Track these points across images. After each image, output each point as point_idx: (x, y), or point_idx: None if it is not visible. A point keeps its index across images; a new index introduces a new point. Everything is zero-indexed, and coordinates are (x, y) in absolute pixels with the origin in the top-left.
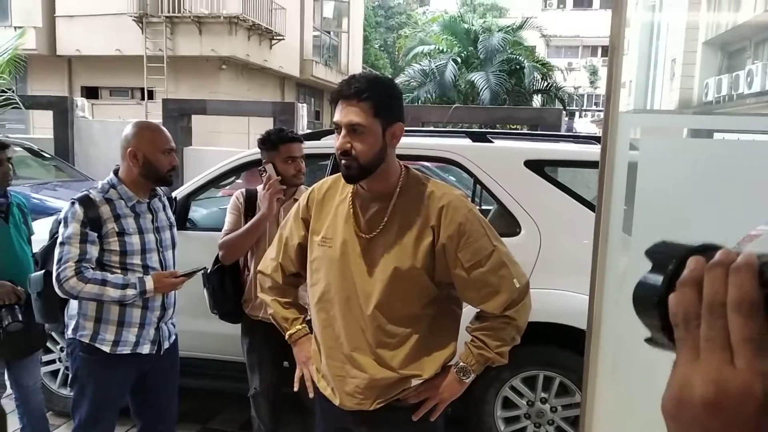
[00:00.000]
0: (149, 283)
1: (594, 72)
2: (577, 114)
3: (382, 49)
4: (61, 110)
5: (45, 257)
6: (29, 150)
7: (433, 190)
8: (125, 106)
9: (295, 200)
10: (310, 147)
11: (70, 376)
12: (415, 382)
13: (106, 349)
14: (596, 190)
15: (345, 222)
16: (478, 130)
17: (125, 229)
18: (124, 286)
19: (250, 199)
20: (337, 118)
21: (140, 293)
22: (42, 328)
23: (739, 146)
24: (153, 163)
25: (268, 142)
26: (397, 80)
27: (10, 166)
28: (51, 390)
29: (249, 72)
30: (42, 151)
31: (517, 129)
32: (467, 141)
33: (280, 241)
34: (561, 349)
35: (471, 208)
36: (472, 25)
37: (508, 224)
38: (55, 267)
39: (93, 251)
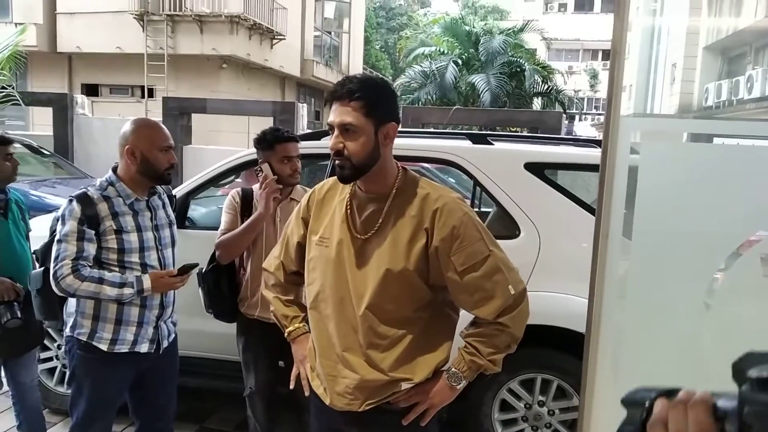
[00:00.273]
0: (147, 281)
1: (594, 75)
2: (577, 117)
3: (382, 50)
4: (61, 107)
5: (45, 254)
6: (29, 147)
7: (429, 192)
8: (125, 103)
9: (292, 200)
10: (309, 147)
11: (68, 373)
12: (405, 385)
13: (104, 347)
14: (596, 193)
15: (342, 222)
16: (478, 132)
17: (123, 226)
18: (122, 285)
19: (246, 199)
20: (330, 118)
21: (138, 292)
22: (40, 325)
23: (739, 151)
24: (151, 161)
25: (264, 142)
26: (398, 81)
27: (14, 161)
28: (48, 387)
29: (249, 71)
30: (41, 148)
31: (517, 132)
32: (467, 143)
33: (283, 239)
34: (559, 352)
35: (467, 212)
36: (474, 28)
37: (508, 227)
38: (51, 264)
39: (90, 249)
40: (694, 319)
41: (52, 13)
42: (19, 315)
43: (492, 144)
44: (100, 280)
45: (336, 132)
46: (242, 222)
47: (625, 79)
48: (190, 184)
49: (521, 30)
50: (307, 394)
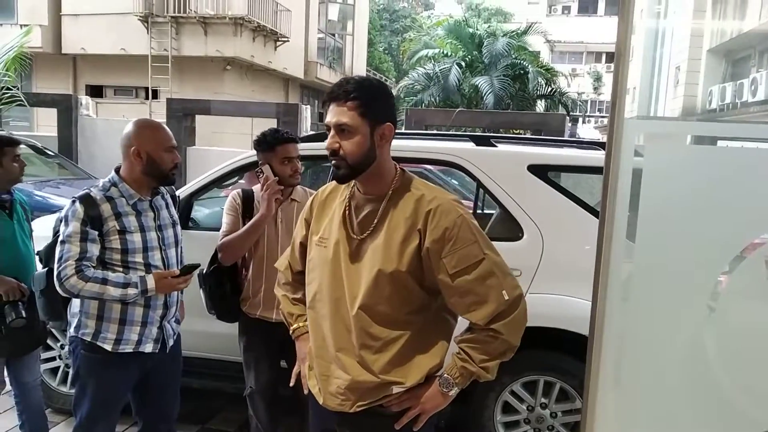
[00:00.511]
0: (150, 282)
1: (598, 78)
2: (580, 120)
3: (386, 52)
4: (66, 108)
5: (48, 255)
6: (33, 147)
7: (424, 193)
8: (129, 105)
9: (293, 200)
10: (313, 149)
11: (72, 374)
12: (396, 389)
13: (108, 347)
14: (599, 195)
15: (340, 223)
16: (481, 134)
17: (126, 227)
18: (125, 285)
19: (247, 200)
20: (327, 118)
21: (141, 292)
22: (43, 325)
23: (744, 154)
24: (156, 161)
25: (264, 144)
26: (401, 83)
27: (21, 162)
28: (50, 387)
29: (253, 73)
30: (46, 148)
31: (521, 134)
32: (471, 145)
33: (292, 239)
34: (562, 355)
35: (462, 214)
36: (477, 30)
37: (511, 229)
38: (55, 266)
39: (94, 249)
40: (697, 323)
41: (57, 14)
42: (23, 314)
43: (495, 146)
44: (104, 281)
45: (332, 132)
46: (244, 223)
47: (629, 81)
48: (194, 185)
49: (525, 32)
50: (306, 392)
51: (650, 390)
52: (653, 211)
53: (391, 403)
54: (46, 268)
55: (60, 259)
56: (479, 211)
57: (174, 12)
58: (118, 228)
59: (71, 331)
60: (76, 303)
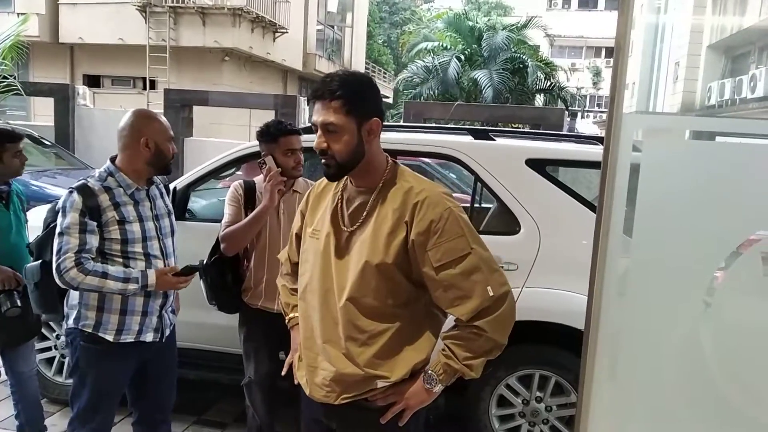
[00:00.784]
0: (151, 277)
1: (597, 73)
2: (579, 115)
3: (385, 44)
4: (63, 98)
5: (40, 247)
6: (29, 137)
7: (413, 185)
8: (127, 95)
9: (295, 192)
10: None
11: (70, 365)
12: (381, 383)
13: (110, 338)
14: (596, 190)
15: (332, 215)
16: (480, 127)
17: (125, 217)
18: (126, 280)
19: (249, 191)
20: (312, 118)
21: (142, 287)
22: (37, 317)
23: (742, 149)
24: (163, 151)
25: (267, 135)
26: (400, 76)
27: (22, 157)
28: (46, 377)
29: (252, 64)
30: (42, 138)
31: (519, 128)
32: (469, 138)
33: (290, 231)
34: (557, 349)
35: (449, 207)
36: (477, 23)
37: (508, 223)
38: (54, 258)
39: (93, 241)
40: (693, 318)
41: (55, 3)
42: (18, 304)
43: (494, 140)
44: (104, 275)
45: (319, 132)
46: (246, 214)
47: (628, 77)
48: (191, 175)
49: (524, 26)
50: (296, 383)
51: (645, 384)
52: (650, 206)
53: (376, 397)
54: (39, 261)
55: (59, 251)
56: (477, 205)
57: (172, 2)
58: (117, 218)
59: (70, 322)
60: (74, 295)
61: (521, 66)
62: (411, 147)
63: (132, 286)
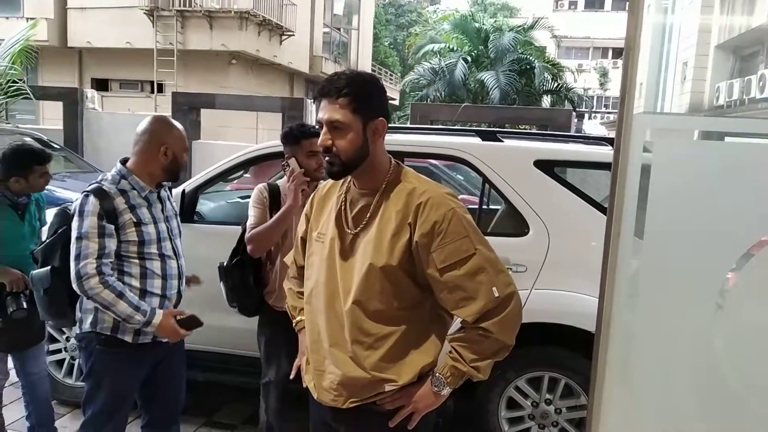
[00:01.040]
0: (158, 317)
1: (604, 74)
2: (586, 116)
3: (392, 46)
4: (71, 101)
5: (47, 254)
6: (38, 140)
7: (416, 186)
8: (135, 98)
9: None
10: None
11: (84, 370)
12: (389, 387)
13: (129, 339)
14: (605, 191)
15: (336, 218)
16: (488, 129)
17: (141, 218)
18: (136, 308)
19: (274, 193)
20: (318, 115)
21: (146, 323)
22: (42, 323)
23: (753, 149)
24: (179, 161)
25: (290, 137)
26: (407, 78)
27: (47, 177)
28: (56, 379)
29: (258, 67)
30: (51, 141)
31: (527, 129)
32: (477, 140)
33: (296, 234)
34: (567, 351)
35: (453, 207)
36: (483, 24)
37: (517, 224)
38: (73, 263)
39: (111, 245)
40: (705, 320)
41: (63, 8)
42: (24, 306)
43: (501, 141)
44: (121, 295)
45: (324, 129)
46: (271, 216)
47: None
48: (200, 178)
49: (531, 27)
50: (304, 386)
51: (657, 387)
52: (661, 207)
53: (384, 400)
54: (48, 267)
55: (78, 255)
56: (485, 207)
57: (179, 6)
58: (134, 220)
59: (86, 326)
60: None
61: (528, 67)
62: (418, 149)
63: (138, 317)
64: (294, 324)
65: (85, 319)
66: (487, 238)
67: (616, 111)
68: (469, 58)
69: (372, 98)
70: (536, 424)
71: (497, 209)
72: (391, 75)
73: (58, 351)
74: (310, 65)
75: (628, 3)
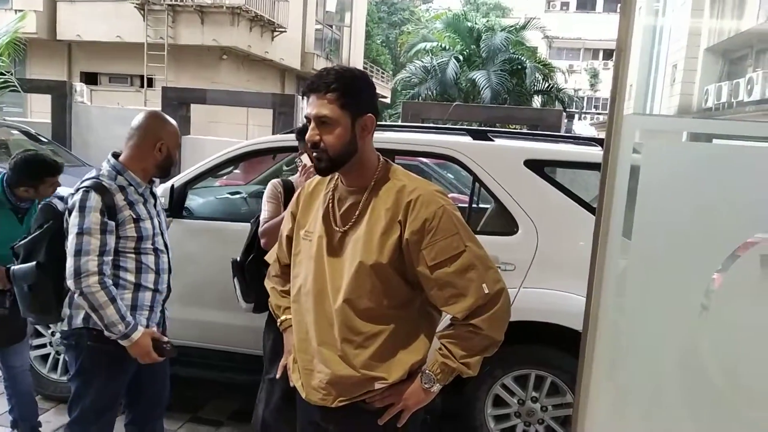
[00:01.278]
0: (137, 334)
1: (595, 75)
2: (576, 116)
3: (383, 44)
4: (60, 95)
5: (30, 249)
6: (26, 134)
7: (406, 183)
8: (124, 92)
9: None
10: None
11: (72, 368)
12: (378, 385)
13: None
14: (595, 191)
15: (323, 216)
16: (479, 128)
17: (140, 215)
18: (122, 318)
19: (288, 189)
20: (307, 110)
21: (124, 335)
22: (24, 321)
23: (741, 151)
24: (172, 158)
25: (304, 133)
26: (399, 76)
27: (55, 187)
28: (41, 374)
29: (250, 63)
30: (39, 135)
31: (517, 129)
32: (468, 139)
33: (280, 232)
34: (554, 349)
35: (443, 205)
36: (475, 24)
37: (506, 223)
38: (72, 258)
39: (111, 242)
40: (691, 320)
41: (53, 0)
42: (6, 305)
43: (492, 140)
44: (113, 300)
45: (312, 124)
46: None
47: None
48: (189, 173)
49: (523, 27)
50: (292, 384)
51: (643, 385)
52: (649, 207)
53: (373, 399)
54: (33, 263)
55: (79, 251)
56: (475, 205)
57: (171, 0)
58: (133, 216)
59: (77, 322)
60: None
61: (519, 67)
62: (409, 147)
63: (120, 327)
64: (279, 323)
65: (75, 315)
66: (476, 236)
67: (605, 112)
68: (460, 57)
69: (361, 94)
70: (522, 422)
71: (487, 208)
72: (382, 73)
73: (43, 346)
74: (302, 62)
75: (619, 5)
